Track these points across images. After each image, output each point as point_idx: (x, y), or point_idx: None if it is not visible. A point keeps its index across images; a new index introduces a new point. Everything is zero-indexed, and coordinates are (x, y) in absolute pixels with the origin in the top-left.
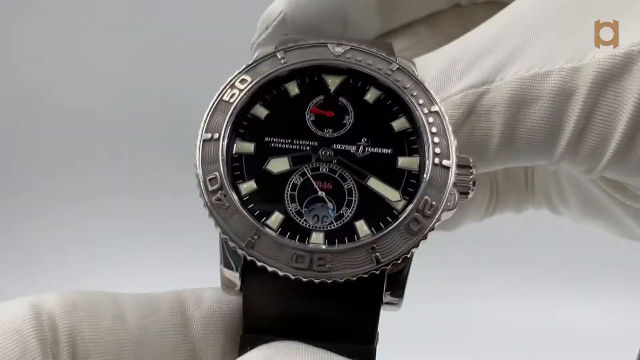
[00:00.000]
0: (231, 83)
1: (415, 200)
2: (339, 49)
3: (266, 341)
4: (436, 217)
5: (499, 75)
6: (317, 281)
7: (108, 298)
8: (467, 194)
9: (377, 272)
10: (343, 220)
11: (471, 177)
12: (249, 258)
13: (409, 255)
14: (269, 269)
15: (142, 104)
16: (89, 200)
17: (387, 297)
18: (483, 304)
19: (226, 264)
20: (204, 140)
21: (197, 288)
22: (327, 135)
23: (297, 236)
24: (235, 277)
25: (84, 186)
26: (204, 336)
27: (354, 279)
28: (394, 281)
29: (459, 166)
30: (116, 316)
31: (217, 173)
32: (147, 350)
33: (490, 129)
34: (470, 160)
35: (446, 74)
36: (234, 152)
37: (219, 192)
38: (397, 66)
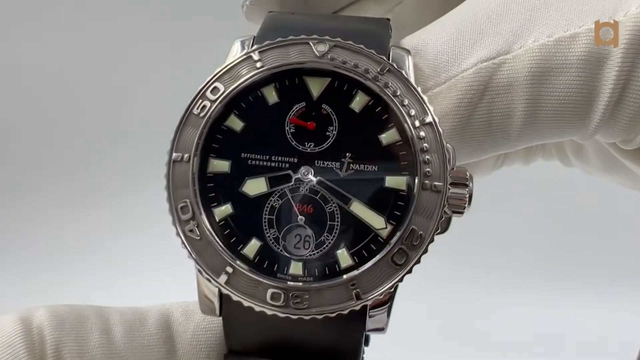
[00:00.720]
0: (201, 93)
1: (401, 230)
2: (322, 47)
3: None
4: (423, 248)
5: (516, 44)
6: (294, 317)
7: (95, 312)
8: (462, 213)
9: (358, 309)
10: (324, 248)
11: (467, 194)
12: (224, 292)
13: (392, 290)
14: (245, 304)
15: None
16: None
17: (370, 325)
18: (483, 304)
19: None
20: (173, 162)
21: (185, 302)
22: (309, 150)
23: (275, 265)
24: (213, 302)
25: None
26: (189, 352)
27: (333, 315)
28: (377, 311)
29: (453, 184)
30: (102, 330)
31: (188, 201)
32: None
33: (511, 107)
34: (467, 175)
35: (453, 48)
36: (207, 171)
37: (191, 221)
38: (388, 67)
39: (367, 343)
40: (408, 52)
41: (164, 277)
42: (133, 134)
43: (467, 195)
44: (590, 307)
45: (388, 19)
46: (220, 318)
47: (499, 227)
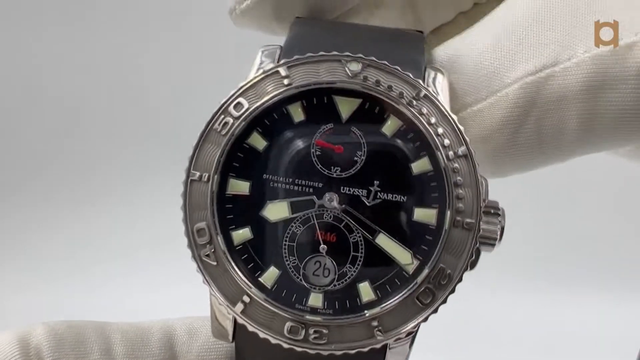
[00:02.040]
0: (224, 108)
1: (429, 267)
2: (355, 67)
3: None
4: (451, 287)
5: (563, 54)
6: (311, 352)
7: (96, 330)
8: (492, 248)
9: (378, 347)
10: (345, 280)
11: (498, 230)
12: (240, 322)
13: (415, 330)
14: (261, 335)
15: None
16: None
17: (389, 358)
18: (483, 304)
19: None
20: (191, 181)
21: (189, 318)
22: (335, 175)
23: (294, 296)
24: (226, 329)
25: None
26: None
27: (352, 352)
28: (398, 343)
29: (485, 220)
30: (103, 350)
31: (205, 223)
32: None
33: (563, 122)
34: (500, 211)
35: (492, 61)
36: (227, 191)
37: (208, 246)
38: (425, 92)
39: None
40: (442, 72)
41: (166, 279)
42: (133, 134)
43: (499, 231)
44: (591, 307)
45: (421, 32)
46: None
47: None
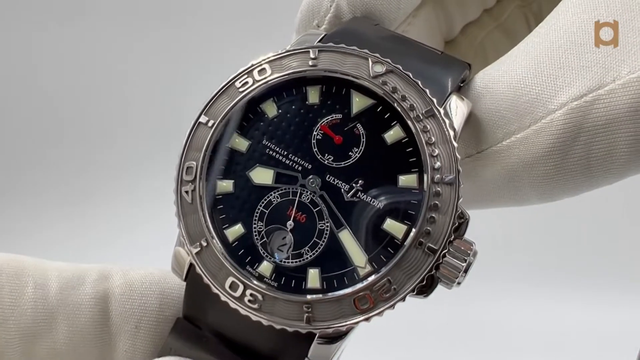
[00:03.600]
0: (249, 70)
1: (376, 277)
2: (379, 68)
3: (196, 336)
4: (391, 303)
5: (607, 76)
6: (242, 312)
7: (34, 266)
8: (450, 285)
9: (304, 332)
10: (299, 261)
11: (462, 268)
12: (191, 261)
13: (344, 330)
14: (204, 280)
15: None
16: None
17: (312, 352)
18: (483, 304)
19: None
20: (199, 123)
21: (125, 266)
22: (326, 162)
23: (248, 257)
24: (183, 265)
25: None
26: (122, 314)
27: (278, 327)
28: (324, 342)
29: (453, 254)
30: (38, 285)
31: (195, 163)
32: (62, 321)
33: (612, 146)
34: (471, 251)
35: (532, 87)
36: (228, 144)
37: (190, 184)
38: (434, 112)
39: None
40: (463, 100)
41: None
42: (132, 134)
43: (463, 269)
44: (591, 307)
45: (469, 64)
46: (157, 283)
47: (499, 226)
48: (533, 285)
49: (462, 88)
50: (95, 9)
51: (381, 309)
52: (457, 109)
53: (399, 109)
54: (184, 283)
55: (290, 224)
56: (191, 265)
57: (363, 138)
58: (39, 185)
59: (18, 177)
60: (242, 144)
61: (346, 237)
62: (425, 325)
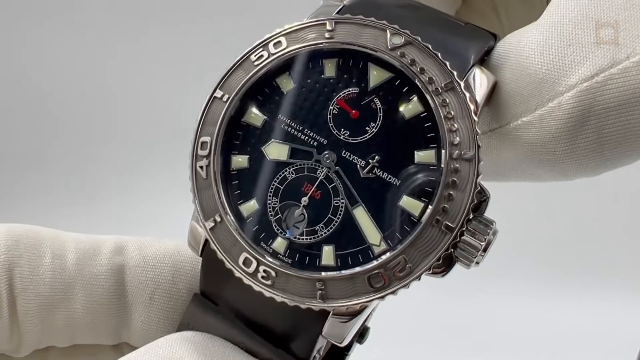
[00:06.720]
0: (264, 43)
1: (390, 255)
2: (397, 40)
3: (213, 313)
4: (406, 281)
5: (620, 54)
6: (256, 289)
7: (52, 237)
8: (468, 265)
9: (317, 310)
10: (314, 238)
11: (481, 246)
12: (205, 237)
13: (359, 308)
14: (218, 256)
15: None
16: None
17: (327, 330)
18: (483, 304)
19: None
20: (214, 97)
21: (141, 237)
22: (342, 137)
23: (263, 234)
24: (199, 240)
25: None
26: (137, 286)
27: (291, 304)
28: (339, 319)
29: (471, 232)
30: (55, 255)
31: (209, 138)
32: (79, 291)
33: (627, 127)
34: (492, 228)
35: (540, 69)
36: (242, 119)
37: (204, 159)
38: (454, 85)
39: (361, 341)
40: (485, 72)
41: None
42: (132, 134)
43: (482, 248)
44: (591, 307)
45: (494, 35)
46: (170, 257)
47: (499, 225)
48: (533, 285)
49: (485, 61)
50: (98, 7)
51: (395, 287)
52: (480, 81)
53: (417, 83)
54: (197, 257)
55: (305, 200)
56: (206, 241)
57: (380, 112)
58: (43, 185)
59: (22, 176)
60: (257, 118)
61: (361, 214)
62: (426, 325)
